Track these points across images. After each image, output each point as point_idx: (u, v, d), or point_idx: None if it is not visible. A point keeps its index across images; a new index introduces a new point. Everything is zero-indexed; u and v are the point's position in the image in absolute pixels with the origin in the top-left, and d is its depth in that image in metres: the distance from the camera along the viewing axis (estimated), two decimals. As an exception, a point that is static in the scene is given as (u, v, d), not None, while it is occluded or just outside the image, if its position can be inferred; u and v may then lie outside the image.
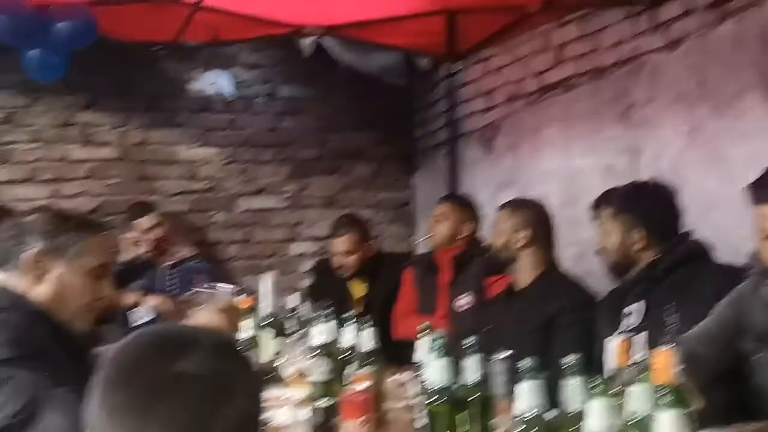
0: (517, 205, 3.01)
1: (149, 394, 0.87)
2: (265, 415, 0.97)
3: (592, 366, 1.72)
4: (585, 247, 3.49)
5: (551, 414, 1.48)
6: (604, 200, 2.59)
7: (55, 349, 1.73)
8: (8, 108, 4.43)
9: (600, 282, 2.97)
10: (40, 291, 1.79)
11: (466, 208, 3.59)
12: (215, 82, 4.86)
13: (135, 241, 4.24)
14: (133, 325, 3.57)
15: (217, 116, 4.87)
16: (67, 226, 1.81)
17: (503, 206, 3.02)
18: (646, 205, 2.47)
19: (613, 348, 1.64)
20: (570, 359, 1.43)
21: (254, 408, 0.94)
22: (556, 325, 2.69)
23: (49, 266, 1.79)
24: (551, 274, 2.89)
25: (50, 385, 1.62)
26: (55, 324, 1.79)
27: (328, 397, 2.28)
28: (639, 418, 1.32)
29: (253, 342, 2.57)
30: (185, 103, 4.80)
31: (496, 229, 2.95)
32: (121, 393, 0.88)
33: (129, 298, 3.55)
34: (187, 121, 4.80)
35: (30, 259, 1.78)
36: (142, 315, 3.51)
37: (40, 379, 1.62)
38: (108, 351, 0.98)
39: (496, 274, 3.08)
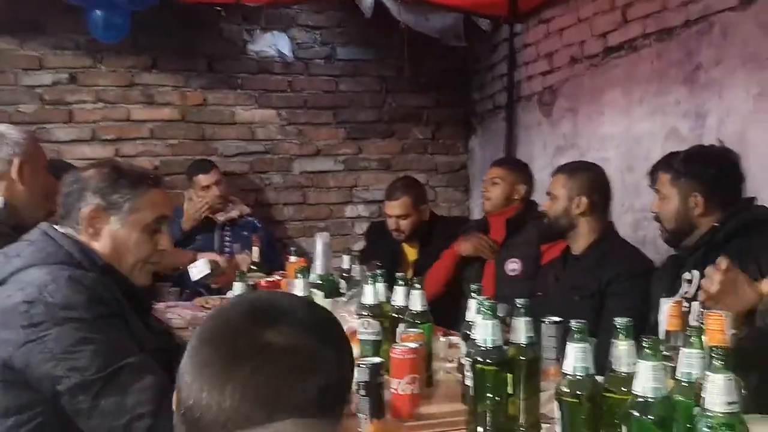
0: (574, 169, 2.95)
1: (232, 356, 0.90)
2: (348, 392, 0.99)
3: (645, 333, 1.69)
4: (643, 214, 3.42)
5: (600, 376, 1.45)
6: (663, 165, 2.52)
7: (126, 306, 1.77)
8: (73, 68, 4.52)
9: (658, 249, 2.92)
10: (99, 246, 1.83)
11: (519, 170, 3.58)
12: (274, 44, 4.87)
13: (195, 196, 4.33)
14: (193, 280, 3.64)
15: (276, 78, 4.89)
16: (121, 183, 1.84)
17: (559, 170, 2.95)
18: (706, 170, 2.39)
19: (666, 311, 1.61)
20: (621, 321, 1.40)
21: (335, 384, 0.94)
22: (610, 292, 2.64)
23: (105, 222, 1.83)
24: (608, 241, 2.83)
25: (128, 344, 1.66)
26: (120, 279, 1.83)
27: (377, 356, 2.31)
28: (690, 381, 1.29)
29: (305, 300, 2.59)
30: (244, 65, 4.83)
31: (552, 194, 2.89)
32: (208, 350, 0.92)
33: (186, 255, 3.62)
34: (246, 82, 4.83)
35: (86, 215, 1.82)
36: (200, 269, 3.58)
37: (119, 338, 1.66)
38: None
39: (551, 242, 3.04)
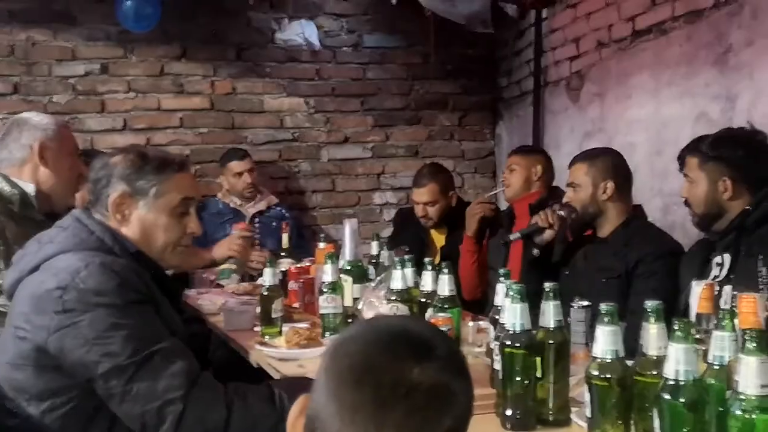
0: (593, 155, 2.92)
1: (384, 400, 0.88)
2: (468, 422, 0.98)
3: (674, 315, 1.69)
4: (672, 199, 3.40)
5: (629, 360, 1.46)
6: (691, 149, 2.48)
7: (157, 292, 1.80)
8: (105, 58, 4.58)
9: (687, 234, 2.90)
10: (128, 232, 1.86)
11: (533, 154, 3.61)
12: (302, 32, 4.89)
13: (226, 183, 4.40)
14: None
15: (304, 66, 4.91)
16: (147, 168, 1.86)
17: (577, 159, 2.91)
18: (736, 153, 2.36)
19: (697, 293, 1.61)
20: (652, 304, 1.40)
21: (466, 416, 0.95)
22: (638, 273, 2.63)
23: (133, 208, 1.86)
24: (635, 223, 2.81)
25: (159, 330, 1.69)
26: (151, 265, 1.86)
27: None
28: (722, 364, 1.29)
29: (334, 286, 2.61)
30: (272, 53, 4.85)
31: (575, 184, 2.85)
32: (352, 393, 0.90)
33: (203, 257, 3.55)
34: (274, 71, 4.85)
35: (113, 201, 1.84)
36: (231, 279, 3.65)
37: (150, 323, 1.69)
38: (338, 338, 1.02)
39: (580, 233, 2.98)
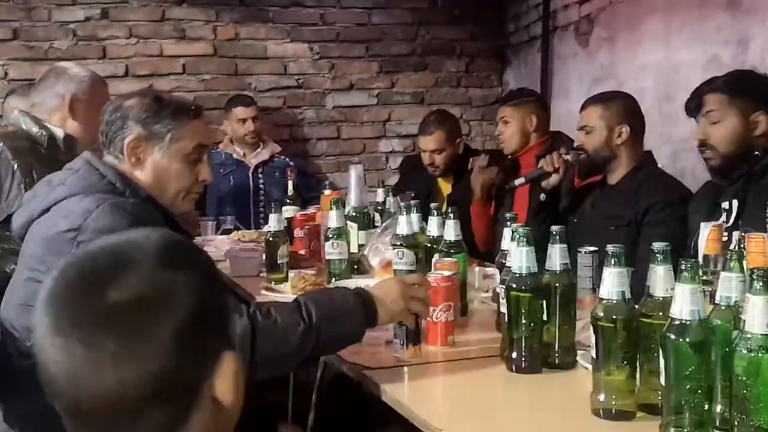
0: (608, 98, 2.87)
1: (90, 338, 0.79)
2: (220, 301, 0.88)
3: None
4: (682, 145, 3.37)
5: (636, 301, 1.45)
6: (710, 88, 2.35)
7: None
8: (105, 3, 4.51)
9: (696, 180, 2.87)
10: (141, 176, 1.85)
11: (526, 105, 3.42)
12: (306, -25, 4.80)
13: (230, 129, 4.38)
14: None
15: (307, 11, 4.83)
16: (163, 113, 1.84)
17: (592, 101, 2.85)
18: (764, 88, 2.28)
19: (705, 235, 1.59)
20: (659, 246, 1.39)
21: (199, 310, 0.83)
22: (647, 221, 2.61)
23: (147, 152, 1.84)
24: (645, 170, 2.78)
25: None
26: (162, 209, 1.85)
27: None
28: (729, 304, 1.28)
29: (339, 232, 2.61)
30: (276, -2, 4.78)
31: (588, 127, 2.79)
32: (57, 341, 0.81)
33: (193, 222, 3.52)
34: (278, 16, 4.78)
35: (128, 144, 1.83)
36: None
37: None
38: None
39: (589, 178, 2.93)
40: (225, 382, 0.84)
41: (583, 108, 2.87)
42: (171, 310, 0.81)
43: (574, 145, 2.89)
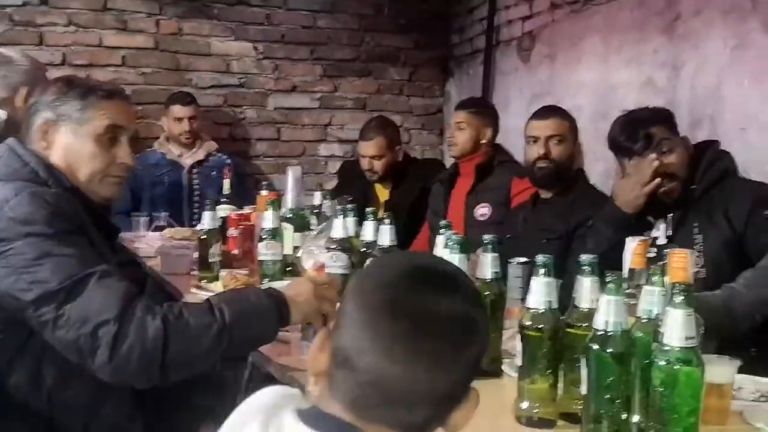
0: (566, 113, 2.94)
1: (418, 330, 0.94)
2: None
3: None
4: (613, 163, 3.44)
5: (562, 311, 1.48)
6: (651, 121, 2.34)
7: (92, 228, 1.74)
8: (44, -11, 4.40)
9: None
10: (55, 160, 1.80)
11: (485, 114, 3.51)
12: (252, -26, 4.76)
13: (166, 126, 4.32)
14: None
15: (253, 10, 4.79)
16: (71, 94, 1.80)
17: (555, 113, 2.91)
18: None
19: (631, 248, 1.63)
20: (586, 258, 1.42)
21: (485, 343, 1.03)
22: (578, 234, 2.66)
23: (56, 135, 1.80)
24: (578, 185, 2.85)
25: (91, 258, 1.63)
26: (83, 196, 1.80)
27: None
28: (651, 317, 1.32)
29: (274, 233, 2.59)
30: (221, -5, 4.73)
31: (559, 136, 2.82)
32: (390, 324, 0.94)
33: None
34: (223, 13, 4.73)
35: (38, 128, 1.80)
36: None
37: (82, 252, 1.62)
38: (362, 273, 1.09)
39: (553, 189, 2.92)
40: (467, 409, 1.00)
41: (549, 116, 2.90)
42: (477, 335, 0.98)
43: (539, 153, 2.84)
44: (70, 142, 1.80)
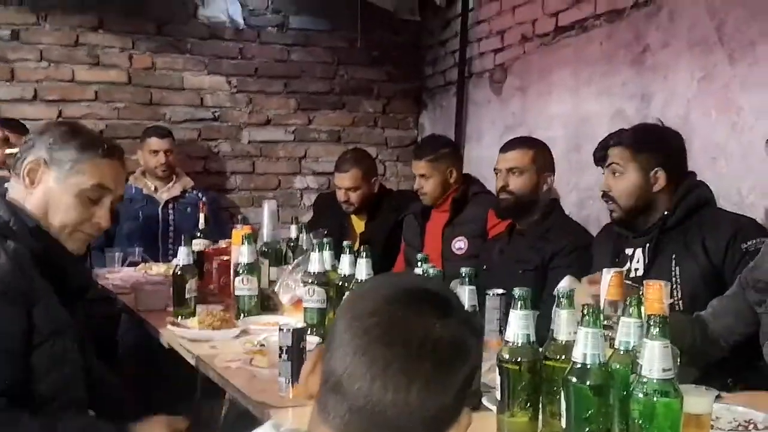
0: (537, 144, 2.95)
1: (413, 354, 0.94)
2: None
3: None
4: (588, 193, 3.49)
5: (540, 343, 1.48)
6: (617, 141, 2.39)
7: (42, 284, 1.69)
8: (16, 24, 4.37)
9: (600, 228, 2.97)
10: (32, 200, 1.79)
11: (444, 156, 3.42)
12: (225, 9, 4.78)
13: (142, 160, 4.30)
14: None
15: (227, 44, 4.81)
16: (71, 143, 1.80)
17: (521, 144, 2.92)
18: (667, 144, 2.34)
19: (607, 280, 1.65)
20: (563, 290, 1.43)
21: (477, 365, 1.05)
22: (553, 266, 2.68)
23: (43, 177, 1.79)
24: (553, 215, 2.87)
25: (36, 327, 1.61)
26: (48, 243, 1.77)
27: (323, 325, 2.31)
28: (628, 349, 1.33)
29: (250, 268, 2.58)
30: (194, 29, 4.73)
31: (519, 169, 2.83)
32: (383, 348, 0.94)
33: None
34: (196, 47, 4.74)
35: (27, 165, 1.78)
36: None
37: (24, 318, 1.60)
38: (353, 295, 1.08)
39: (512, 218, 2.95)
40: (459, 430, 1.00)
41: (510, 149, 2.91)
42: (469, 358, 0.98)
43: (500, 185, 2.88)
44: (53, 188, 1.79)
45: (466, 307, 1.68)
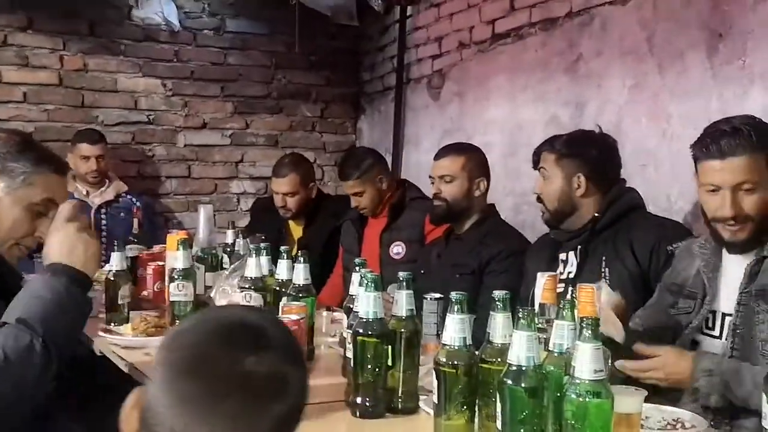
0: (469, 150, 2.97)
1: (218, 390, 0.91)
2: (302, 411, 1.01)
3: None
4: (524, 198, 3.54)
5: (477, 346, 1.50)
6: (547, 146, 2.51)
7: None
8: (-61, 23, 4.23)
9: (536, 232, 3.02)
10: None
11: (370, 170, 3.43)
12: (160, 11, 4.70)
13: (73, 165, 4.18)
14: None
15: (162, 47, 4.73)
16: (26, 155, 1.78)
17: (453, 151, 2.94)
18: (591, 151, 2.43)
19: (541, 284, 1.67)
20: (499, 294, 1.44)
21: (300, 402, 0.98)
22: (490, 270, 2.71)
23: None
24: (490, 220, 2.90)
25: None
26: None
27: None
28: (561, 351, 1.35)
29: (186, 273, 2.53)
30: (128, 31, 4.64)
31: (450, 176, 2.85)
32: (188, 383, 0.92)
33: None
34: (130, 49, 4.65)
35: None
36: None
37: None
38: (175, 329, 1.05)
39: (446, 224, 2.98)
40: None
41: (442, 156, 2.94)
42: (287, 392, 0.94)
43: (433, 192, 2.92)
44: (2, 197, 1.76)
45: (403, 313, 1.69)
